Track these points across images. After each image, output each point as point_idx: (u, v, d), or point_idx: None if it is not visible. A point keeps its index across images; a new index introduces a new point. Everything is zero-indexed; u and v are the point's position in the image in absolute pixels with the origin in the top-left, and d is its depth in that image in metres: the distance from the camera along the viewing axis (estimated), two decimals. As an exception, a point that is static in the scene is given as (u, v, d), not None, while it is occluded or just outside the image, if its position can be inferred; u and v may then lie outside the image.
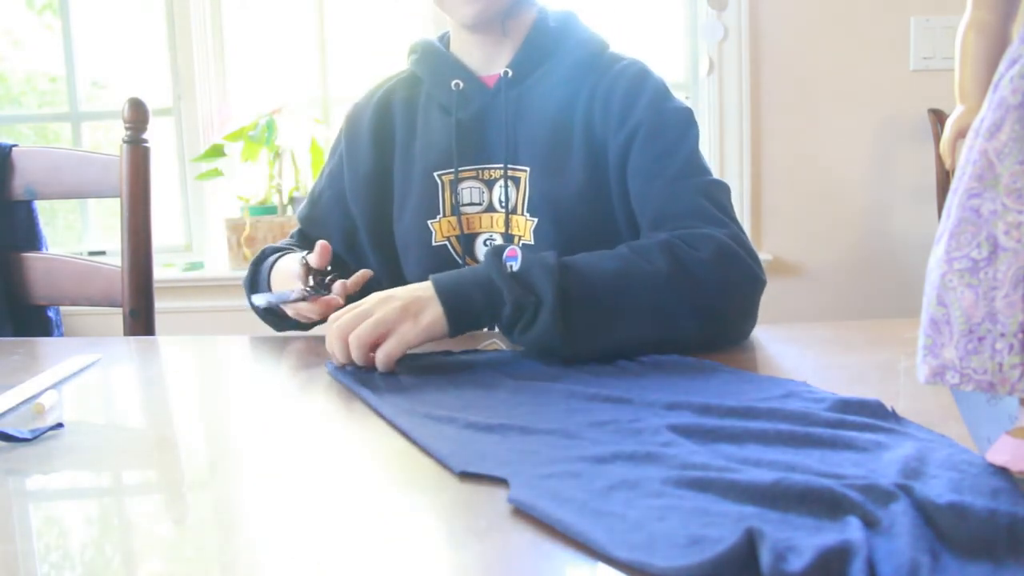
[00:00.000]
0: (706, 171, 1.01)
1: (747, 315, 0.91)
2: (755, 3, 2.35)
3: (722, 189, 0.99)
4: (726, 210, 0.97)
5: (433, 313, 0.83)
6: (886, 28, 2.35)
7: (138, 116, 1.32)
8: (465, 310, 0.84)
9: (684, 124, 1.03)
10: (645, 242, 0.89)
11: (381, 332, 0.81)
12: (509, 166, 1.06)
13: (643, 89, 1.04)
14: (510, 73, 1.07)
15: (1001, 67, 0.50)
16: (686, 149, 1.00)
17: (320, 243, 1.00)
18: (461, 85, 1.08)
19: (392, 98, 1.14)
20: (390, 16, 2.43)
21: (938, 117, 2.28)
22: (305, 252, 1.04)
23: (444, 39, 1.15)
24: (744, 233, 0.94)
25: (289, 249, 1.13)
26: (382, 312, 0.82)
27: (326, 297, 0.96)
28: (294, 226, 1.24)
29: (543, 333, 0.82)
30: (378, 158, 1.12)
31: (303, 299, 0.96)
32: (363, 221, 1.13)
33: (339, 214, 1.16)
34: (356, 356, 0.81)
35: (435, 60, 1.11)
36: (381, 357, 0.81)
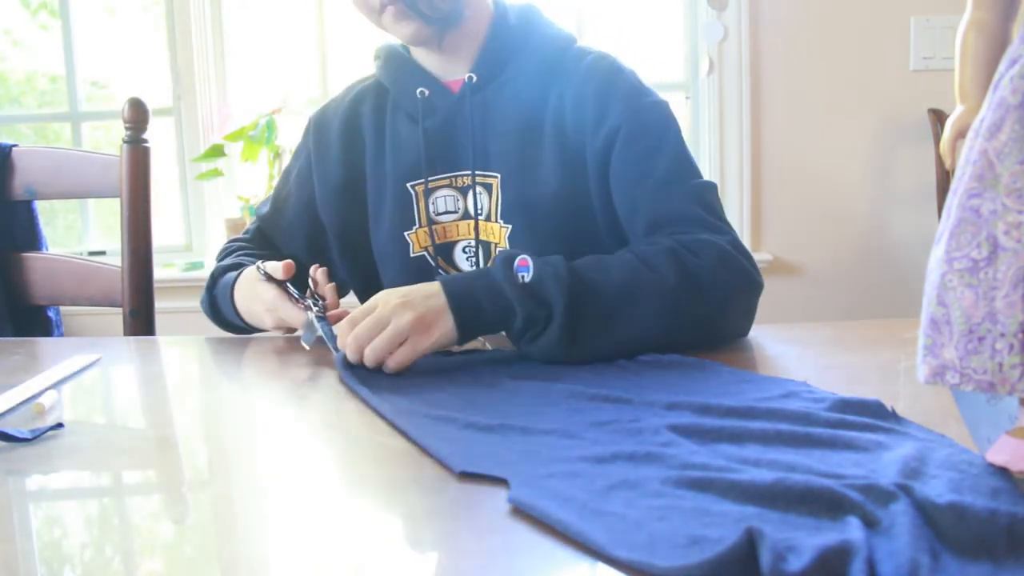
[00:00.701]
0: (693, 169, 1.00)
1: (746, 317, 0.93)
2: (755, 3, 2.34)
3: (711, 190, 0.99)
4: (719, 214, 0.97)
5: (446, 325, 0.84)
6: (886, 28, 2.35)
7: (138, 116, 1.32)
8: (475, 320, 0.84)
9: (663, 121, 1.01)
10: (650, 249, 0.89)
11: (396, 344, 0.82)
12: (479, 172, 1.04)
13: (616, 87, 1.01)
14: (474, 78, 1.04)
15: (1001, 67, 0.50)
16: (670, 148, 0.99)
17: (286, 262, 0.99)
18: (427, 93, 1.05)
19: (360, 107, 1.12)
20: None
21: (938, 117, 2.28)
22: (260, 263, 1.02)
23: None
24: (738, 237, 0.95)
25: (241, 263, 1.10)
26: (397, 323, 0.82)
27: (337, 313, 0.96)
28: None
29: (550, 345, 0.83)
30: (348, 168, 1.10)
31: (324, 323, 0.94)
32: (334, 230, 1.12)
33: (306, 219, 1.14)
34: (370, 365, 0.83)
35: (398, 67, 1.08)
36: (392, 365, 0.82)
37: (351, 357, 0.83)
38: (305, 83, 2.42)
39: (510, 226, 1.03)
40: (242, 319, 1.05)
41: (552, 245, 0.98)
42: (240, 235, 1.21)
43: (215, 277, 1.10)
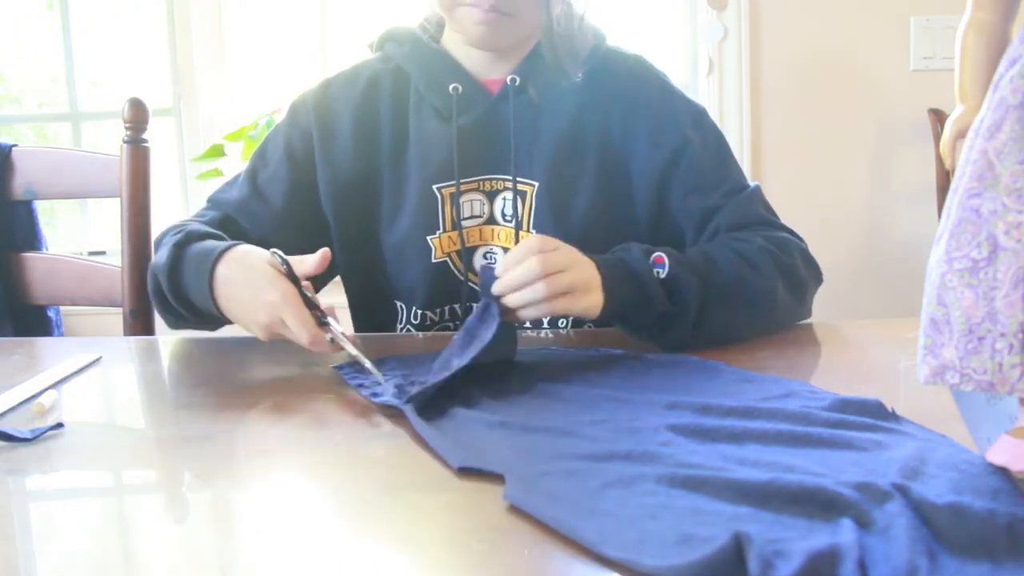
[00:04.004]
0: (743, 173, 1.05)
1: (808, 305, 1.00)
2: (755, 3, 2.34)
3: (762, 192, 1.03)
4: (777, 215, 1.02)
5: (596, 298, 0.83)
6: (886, 28, 2.35)
7: (138, 116, 1.32)
8: (620, 306, 0.85)
9: (716, 132, 1.05)
10: (748, 246, 0.93)
11: (565, 293, 0.80)
12: (517, 180, 1.01)
13: (668, 101, 1.03)
14: (517, 80, 1.00)
15: (1001, 67, 0.50)
16: (728, 157, 1.04)
17: (323, 252, 0.84)
18: (460, 89, 1.00)
19: (377, 93, 1.04)
20: (392, 16, 2.43)
21: (938, 117, 2.28)
22: (274, 251, 0.84)
23: (430, 30, 1.06)
24: None
25: (221, 236, 0.94)
26: (575, 276, 0.81)
27: (351, 336, 0.83)
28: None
29: (679, 337, 0.86)
30: (363, 159, 1.03)
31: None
32: (340, 224, 1.05)
33: (299, 207, 1.04)
34: (531, 293, 0.79)
35: (428, 58, 1.03)
36: (532, 311, 0.80)
37: (525, 273, 0.79)
38: (305, 83, 2.42)
39: None
40: (216, 306, 0.86)
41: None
42: (190, 219, 1.03)
43: (180, 245, 0.90)
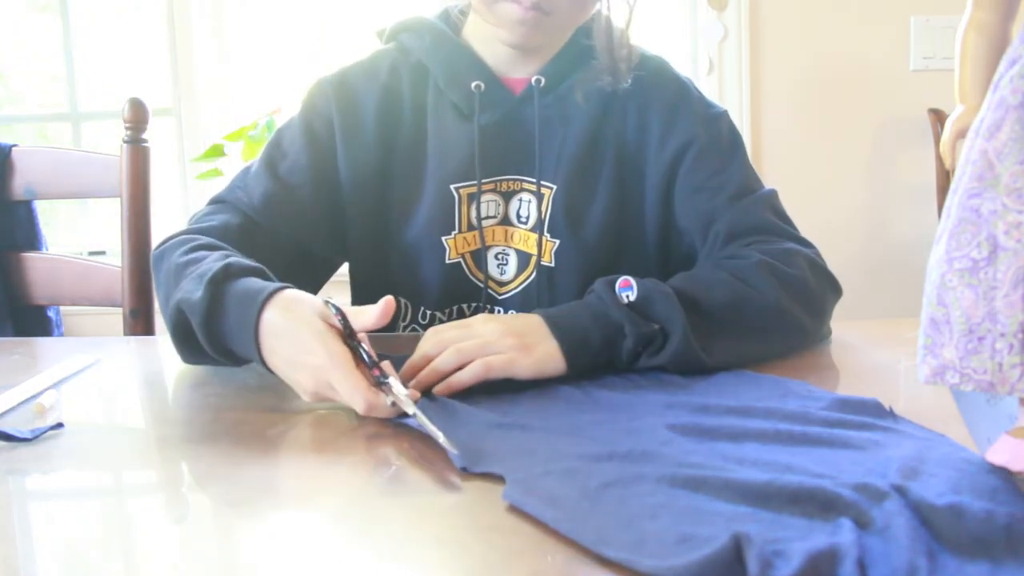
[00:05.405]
0: (759, 179, 1.00)
1: (828, 323, 0.95)
2: (755, 3, 2.34)
3: (778, 198, 0.99)
4: (791, 222, 0.98)
5: (549, 347, 0.76)
6: (886, 28, 2.35)
7: (138, 116, 1.32)
8: (583, 346, 0.77)
9: (732, 132, 1.01)
10: (741, 264, 0.86)
11: (486, 354, 0.74)
12: (538, 182, 0.98)
13: (682, 102, 1.00)
14: (543, 81, 0.98)
15: (1001, 67, 0.50)
16: (740, 159, 1.00)
17: (386, 301, 0.72)
18: (482, 87, 0.97)
19: (399, 86, 1.01)
20: (393, 15, 2.43)
21: (938, 117, 2.28)
22: (327, 300, 0.73)
23: (449, 21, 1.03)
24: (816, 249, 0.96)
25: (262, 270, 0.81)
26: (494, 336, 0.75)
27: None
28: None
29: (679, 353, 0.76)
30: (382, 152, 1.00)
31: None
32: (354, 216, 1.01)
33: (324, 200, 0.99)
34: (445, 363, 0.74)
35: (450, 54, 0.99)
36: (478, 365, 0.73)
37: (428, 348, 0.75)
38: (305, 83, 2.42)
39: (557, 241, 0.98)
40: (260, 356, 0.74)
41: (600, 265, 0.97)
42: (192, 228, 0.93)
43: (218, 281, 0.76)
